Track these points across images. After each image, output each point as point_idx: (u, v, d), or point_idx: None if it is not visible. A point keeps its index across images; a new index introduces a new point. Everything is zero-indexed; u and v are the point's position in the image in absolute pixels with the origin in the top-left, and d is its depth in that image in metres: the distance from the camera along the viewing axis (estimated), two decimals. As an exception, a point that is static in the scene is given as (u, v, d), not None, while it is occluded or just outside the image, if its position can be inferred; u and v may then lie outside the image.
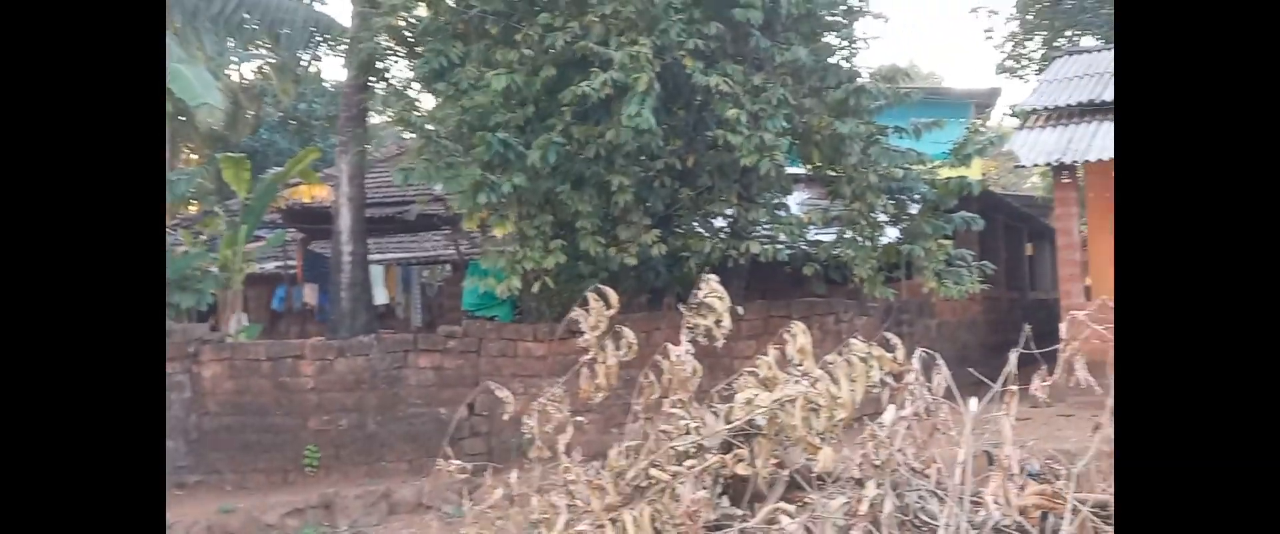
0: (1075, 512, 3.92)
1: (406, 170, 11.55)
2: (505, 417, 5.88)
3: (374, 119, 16.95)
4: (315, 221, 17.53)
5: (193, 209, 19.81)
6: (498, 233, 11.39)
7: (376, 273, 17.53)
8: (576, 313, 5.61)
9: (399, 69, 13.29)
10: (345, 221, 14.19)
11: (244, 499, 11.41)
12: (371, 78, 13.75)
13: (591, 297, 5.58)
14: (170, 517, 9.98)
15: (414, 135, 12.49)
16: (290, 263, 18.81)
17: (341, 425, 12.42)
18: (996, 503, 3.92)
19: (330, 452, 12.37)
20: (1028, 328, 4.56)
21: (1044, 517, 4.03)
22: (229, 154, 16.30)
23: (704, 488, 4.58)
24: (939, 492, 4.33)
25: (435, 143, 11.51)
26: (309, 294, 18.39)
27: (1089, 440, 4.55)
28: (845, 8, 11.93)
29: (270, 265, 19.25)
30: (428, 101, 12.49)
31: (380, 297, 17.76)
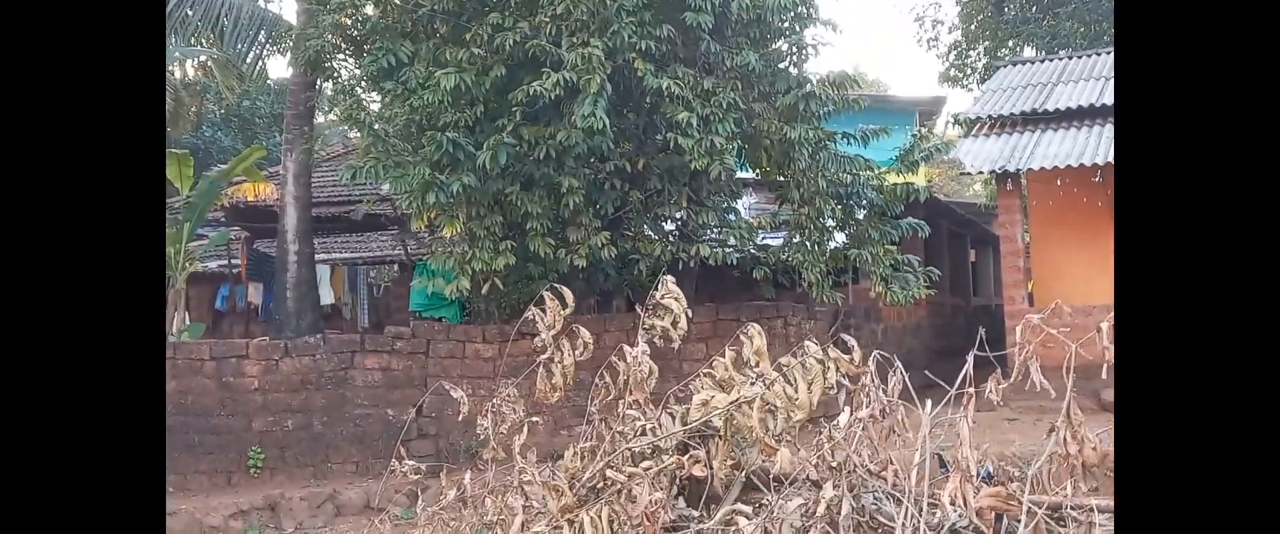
0: (1031, 514, 3.97)
1: (354, 168, 11.43)
2: (459, 417, 5.83)
3: (320, 117, 16.74)
4: (260, 220, 17.32)
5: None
6: (447, 233, 11.32)
7: (322, 273, 17.34)
8: (532, 312, 5.58)
9: (346, 67, 13.16)
10: (291, 220, 14.04)
11: (187, 501, 11.23)
12: (318, 76, 13.61)
13: (547, 296, 5.56)
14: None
15: (361, 134, 12.39)
16: (234, 262, 18.55)
17: (287, 426, 12.29)
18: (954, 505, 3.95)
19: (275, 453, 12.24)
20: (982, 331, 4.62)
21: (999, 518, 4.07)
22: (171, 150, 16.01)
23: (660, 489, 4.57)
24: (896, 493, 4.36)
25: (383, 142, 11.44)
26: (253, 293, 18.16)
27: (1037, 443, 4.61)
28: (794, 14, 12.02)
29: (213, 264, 18.98)
30: (376, 100, 12.39)
31: (326, 297, 17.57)
